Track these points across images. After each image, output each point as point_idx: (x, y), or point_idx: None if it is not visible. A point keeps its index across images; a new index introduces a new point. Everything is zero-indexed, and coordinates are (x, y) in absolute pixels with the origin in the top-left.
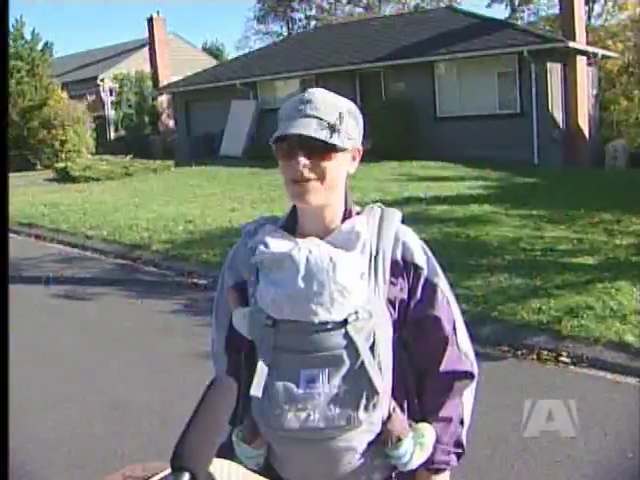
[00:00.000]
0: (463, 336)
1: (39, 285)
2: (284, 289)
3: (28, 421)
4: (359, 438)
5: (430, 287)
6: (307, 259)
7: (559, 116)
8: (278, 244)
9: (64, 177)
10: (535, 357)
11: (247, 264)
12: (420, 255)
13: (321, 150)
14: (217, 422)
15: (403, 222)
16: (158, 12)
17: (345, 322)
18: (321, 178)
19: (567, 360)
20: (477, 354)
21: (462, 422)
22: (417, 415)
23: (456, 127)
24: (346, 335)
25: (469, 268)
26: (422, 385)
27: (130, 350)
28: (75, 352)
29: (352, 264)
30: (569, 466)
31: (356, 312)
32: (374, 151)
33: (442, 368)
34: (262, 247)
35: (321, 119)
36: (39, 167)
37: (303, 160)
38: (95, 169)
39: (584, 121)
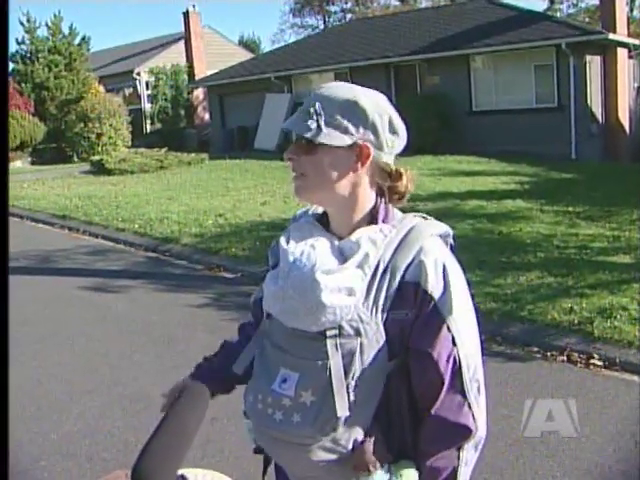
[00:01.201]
0: (472, 385)
1: (70, 277)
2: (272, 285)
3: (53, 412)
4: (320, 454)
5: (435, 320)
6: (294, 260)
7: (598, 110)
8: (294, 238)
9: (99, 169)
10: (565, 359)
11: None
12: (436, 281)
13: (302, 145)
14: (184, 433)
15: (454, 238)
16: (194, 6)
17: (324, 335)
18: (305, 173)
19: (599, 363)
20: (505, 354)
21: (455, 477)
22: (409, 453)
23: (492, 121)
24: (323, 348)
25: (500, 265)
26: (420, 423)
27: (155, 344)
28: (101, 344)
29: (337, 278)
30: (596, 475)
31: (339, 327)
32: (408, 145)
33: (433, 411)
34: (282, 238)
35: (307, 112)
36: (76, 159)
37: (290, 154)
38: (130, 162)
39: (624, 115)
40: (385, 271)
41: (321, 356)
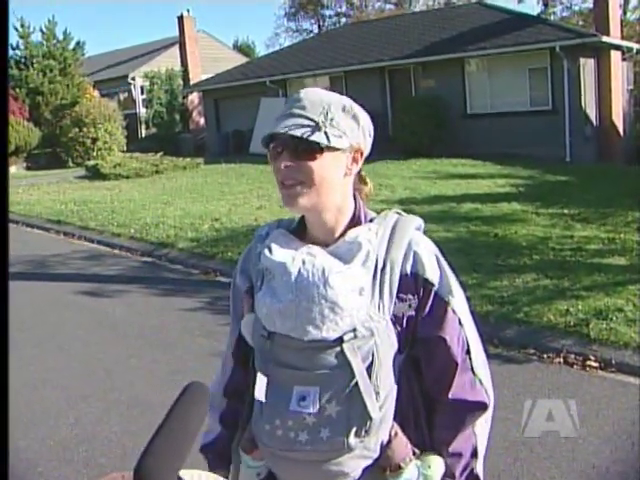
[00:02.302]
0: (479, 361)
1: (66, 281)
2: (276, 301)
3: (50, 418)
4: (352, 463)
5: (440, 305)
6: (299, 270)
7: (592, 112)
8: (280, 250)
9: (95, 174)
10: (561, 361)
11: (255, 270)
12: (432, 269)
13: (304, 149)
14: (186, 431)
15: (425, 232)
16: (188, 10)
17: (341, 340)
18: (307, 180)
19: (595, 364)
20: (502, 357)
21: (476, 454)
22: (427, 444)
23: (487, 124)
24: (341, 354)
25: (496, 268)
26: (433, 411)
27: (151, 348)
28: (97, 350)
29: (349, 278)
30: (594, 476)
31: (354, 330)
32: (403, 148)
33: (451, 395)
34: (267, 252)
35: (306, 117)
36: (71, 164)
37: (286, 161)
38: (125, 166)
39: (618, 117)
40: (384, 267)
41: (341, 363)
